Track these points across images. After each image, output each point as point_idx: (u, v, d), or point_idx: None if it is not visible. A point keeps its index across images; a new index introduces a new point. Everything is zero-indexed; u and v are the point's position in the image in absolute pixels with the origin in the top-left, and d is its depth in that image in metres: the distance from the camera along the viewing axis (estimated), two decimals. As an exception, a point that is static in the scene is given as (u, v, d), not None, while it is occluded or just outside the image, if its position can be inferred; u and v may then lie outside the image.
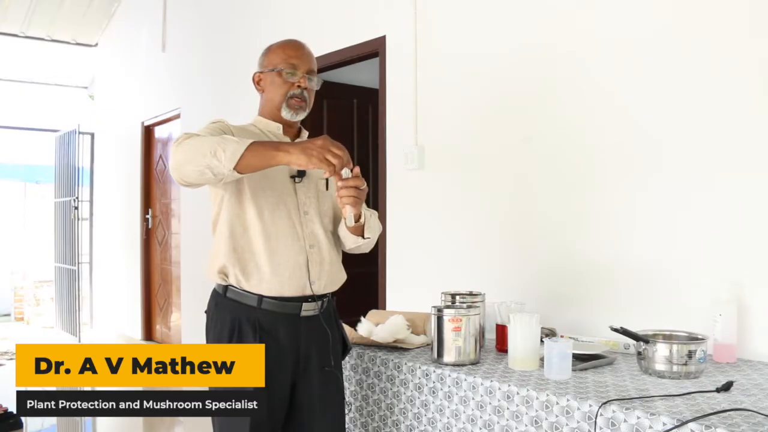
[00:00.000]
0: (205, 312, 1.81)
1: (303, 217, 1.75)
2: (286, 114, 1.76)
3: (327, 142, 1.51)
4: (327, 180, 1.81)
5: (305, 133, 1.88)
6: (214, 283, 1.79)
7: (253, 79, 1.84)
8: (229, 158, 1.49)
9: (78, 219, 6.54)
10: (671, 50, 2.12)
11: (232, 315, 1.71)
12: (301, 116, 1.79)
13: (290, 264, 1.70)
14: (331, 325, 1.80)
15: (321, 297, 1.77)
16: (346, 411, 2.08)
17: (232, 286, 1.72)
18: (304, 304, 1.73)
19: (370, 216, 1.80)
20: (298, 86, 1.76)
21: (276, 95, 1.77)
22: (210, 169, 1.51)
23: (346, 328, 2.07)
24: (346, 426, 2.07)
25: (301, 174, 1.76)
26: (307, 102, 1.79)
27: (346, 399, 2.08)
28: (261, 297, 1.70)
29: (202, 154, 1.51)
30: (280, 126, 1.79)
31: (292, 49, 1.80)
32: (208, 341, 1.76)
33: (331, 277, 1.78)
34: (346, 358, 2.08)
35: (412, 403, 1.88)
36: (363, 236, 1.78)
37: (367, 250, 1.89)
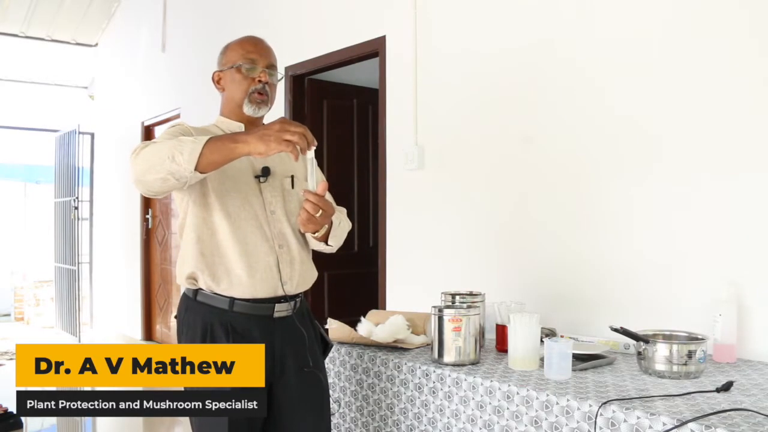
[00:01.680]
0: (175, 317, 1.76)
1: (270, 217, 1.72)
2: (248, 110, 1.73)
3: (284, 124, 1.45)
4: (292, 177, 1.77)
5: None
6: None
7: (213, 79, 1.82)
8: (187, 159, 1.43)
9: (78, 219, 6.54)
10: (671, 51, 2.12)
11: (204, 319, 1.68)
12: (264, 111, 1.75)
13: (261, 265, 1.68)
14: (305, 324, 1.77)
15: (293, 297, 1.74)
16: (347, 411, 2.08)
17: (202, 290, 1.69)
18: (276, 305, 1.70)
19: (338, 225, 1.75)
20: (259, 81, 1.72)
21: (237, 92, 1.74)
22: (172, 174, 1.46)
23: (346, 328, 2.07)
24: (347, 426, 2.07)
25: (266, 173, 1.72)
26: (269, 96, 1.75)
27: (347, 399, 2.08)
28: (233, 299, 1.67)
29: (161, 161, 1.46)
30: (242, 125, 1.76)
31: (251, 44, 1.78)
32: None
33: (303, 276, 1.76)
34: (345, 359, 2.08)
35: (413, 403, 1.88)
36: (326, 243, 1.76)
37: (332, 252, 1.84)
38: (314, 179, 1.56)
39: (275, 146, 1.42)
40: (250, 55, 1.74)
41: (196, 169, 1.44)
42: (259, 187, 1.72)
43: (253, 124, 1.75)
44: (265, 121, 1.68)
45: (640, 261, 2.18)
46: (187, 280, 1.70)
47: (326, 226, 1.67)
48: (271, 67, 1.76)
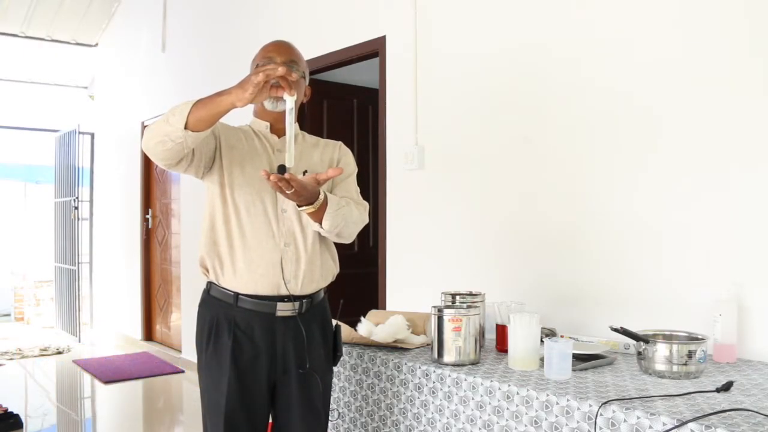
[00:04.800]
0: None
1: (281, 215, 1.74)
2: (268, 105, 1.74)
3: (257, 68, 1.50)
4: (304, 173, 1.73)
5: (301, 133, 1.87)
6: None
7: None
8: (178, 119, 1.49)
9: (78, 219, 6.54)
10: (673, 48, 2.12)
11: (212, 313, 1.75)
12: (283, 106, 1.70)
13: (263, 261, 1.70)
14: (311, 326, 1.77)
15: (300, 298, 1.75)
16: (347, 411, 2.08)
17: (214, 283, 1.75)
18: (279, 303, 1.72)
19: (336, 208, 1.67)
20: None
21: None
22: (167, 135, 1.52)
23: (346, 328, 2.07)
24: (347, 426, 2.08)
25: (282, 171, 1.73)
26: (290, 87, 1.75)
27: (346, 399, 2.08)
28: (237, 295, 1.71)
29: (159, 126, 1.54)
30: (268, 124, 1.80)
31: (272, 45, 1.82)
32: (195, 338, 1.81)
33: (310, 276, 1.76)
34: (345, 359, 2.08)
35: (412, 403, 1.87)
36: (321, 224, 1.68)
37: (345, 240, 1.78)
38: (292, 129, 1.54)
39: (252, 88, 1.44)
40: (269, 54, 1.79)
41: (186, 127, 1.49)
42: None
43: (279, 123, 1.78)
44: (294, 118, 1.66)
45: (640, 261, 2.18)
46: (200, 267, 1.78)
47: (316, 204, 1.61)
48: (291, 62, 1.78)
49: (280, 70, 1.45)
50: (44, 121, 7.58)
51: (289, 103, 1.54)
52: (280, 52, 1.78)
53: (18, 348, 5.98)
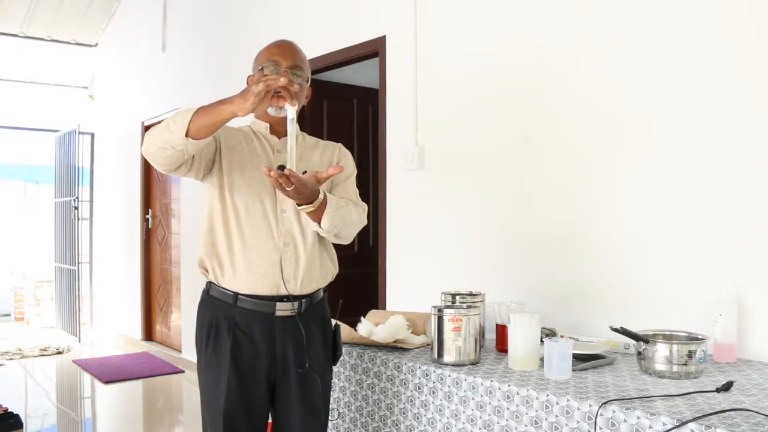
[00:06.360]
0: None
1: (280, 215, 1.74)
2: (271, 110, 1.74)
3: (260, 76, 1.50)
4: (303, 174, 1.74)
5: (301, 134, 1.87)
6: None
7: (247, 82, 1.84)
8: (179, 127, 1.50)
9: (78, 219, 6.54)
10: (672, 49, 2.12)
11: (212, 313, 1.75)
12: (285, 112, 1.70)
13: (263, 261, 1.70)
14: (310, 326, 1.78)
15: (299, 297, 1.75)
16: (347, 411, 2.08)
17: (213, 283, 1.76)
18: (278, 303, 1.72)
19: (336, 208, 1.67)
20: None
21: None
22: (167, 143, 1.52)
23: (346, 328, 2.07)
24: (347, 426, 2.08)
25: (281, 170, 1.73)
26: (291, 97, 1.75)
27: (346, 399, 2.08)
28: (236, 295, 1.72)
29: (160, 132, 1.54)
30: (268, 126, 1.80)
31: (276, 47, 1.81)
32: (195, 338, 1.81)
33: (309, 276, 1.76)
34: (345, 359, 2.08)
35: (412, 403, 1.88)
36: (320, 223, 1.67)
37: (343, 241, 1.78)
38: (294, 139, 1.54)
39: (253, 98, 1.45)
40: (273, 57, 1.77)
41: (187, 135, 1.50)
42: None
43: (278, 125, 1.79)
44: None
45: (640, 261, 2.18)
46: (199, 268, 1.78)
47: (316, 203, 1.60)
48: (296, 67, 1.77)
49: (282, 81, 1.44)
50: (44, 121, 7.58)
51: (291, 112, 1.54)
52: (285, 56, 1.77)
53: (18, 348, 5.98)
